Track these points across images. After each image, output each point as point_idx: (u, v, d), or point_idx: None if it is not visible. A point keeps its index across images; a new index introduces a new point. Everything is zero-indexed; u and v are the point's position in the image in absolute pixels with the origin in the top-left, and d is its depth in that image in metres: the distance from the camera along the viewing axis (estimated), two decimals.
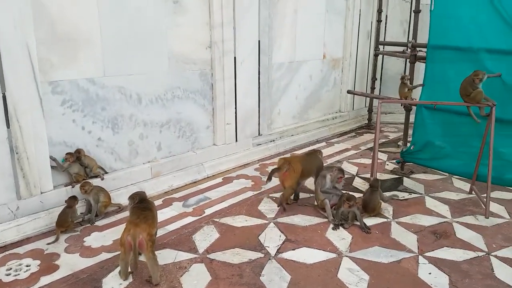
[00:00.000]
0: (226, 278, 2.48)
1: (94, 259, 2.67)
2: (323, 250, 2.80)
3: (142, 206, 2.59)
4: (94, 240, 2.93)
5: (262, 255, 2.73)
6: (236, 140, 4.57)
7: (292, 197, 3.52)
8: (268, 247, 2.83)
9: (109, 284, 2.40)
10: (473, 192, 3.74)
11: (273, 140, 5.06)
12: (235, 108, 4.46)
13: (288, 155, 2.89)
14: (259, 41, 4.55)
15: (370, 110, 6.33)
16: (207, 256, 2.71)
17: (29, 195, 3.00)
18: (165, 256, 2.70)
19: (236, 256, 2.71)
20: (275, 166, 3.49)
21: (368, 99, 6.35)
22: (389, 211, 3.41)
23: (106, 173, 3.51)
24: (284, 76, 5.20)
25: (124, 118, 3.59)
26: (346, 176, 4.11)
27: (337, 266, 2.62)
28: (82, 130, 3.32)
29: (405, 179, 4.16)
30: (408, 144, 4.26)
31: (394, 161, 4.53)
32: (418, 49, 4.37)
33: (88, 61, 3.24)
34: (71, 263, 2.62)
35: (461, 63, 3.64)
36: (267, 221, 3.21)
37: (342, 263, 2.65)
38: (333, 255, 2.74)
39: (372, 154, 3.53)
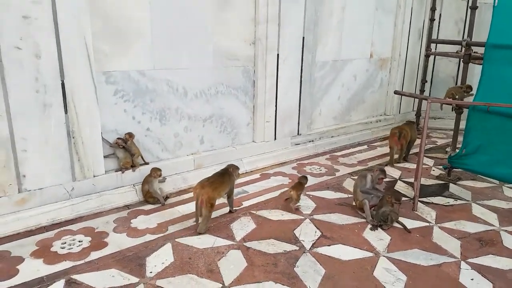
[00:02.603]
0: (261, 265, 2.65)
1: (139, 239, 2.95)
2: (359, 249, 2.89)
3: (219, 173, 3.23)
4: (140, 222, 3.22)
5: (297, 248, 2.87)
6: (275, 139, 4.74)
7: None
8: (303, 241, 2.97)
9: (152, 263, 2.66)
10: None
11: (312, 141, 5.18)
12: (275, 106, 4.64)
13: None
14: (303, 38, 4.70)
15: (418, 114, 6.25)
16: (244, 244, 2.90)
17: (83, 178, 3.35)
18: (205, 241, 2.93)
19: (271, 246, 2.88)
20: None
21: (416, 102, 6.28)
22: (432, 216, 3.42)
23: (147, 163, 3.78)
24: (328, 75, 5.30)
25: (171, 110, 3.89)
26: (388, 179, 4.17)
27: (373, 264, 2.70)
28: (132, 119, 3.65)
29: (451, 185, 4.12)
30: (458, 150, 4.20)
31: (441, 167, 4.48)
32: (473, 49, 4.31)
33: (139, 54, 3.55)
34: (118, 242, 2.91)
35: None
36: (303, 217, 3.34)
37: (379, 262, 2.73)
38: (370, 254, 2.83)
39: (417, 157, 3.55)
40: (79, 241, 2.91)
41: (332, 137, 5.44)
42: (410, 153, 4.94)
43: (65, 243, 2.88)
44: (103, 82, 3.41)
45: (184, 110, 3.97)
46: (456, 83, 6.32)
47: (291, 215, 3.38)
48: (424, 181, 4.21)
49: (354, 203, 3.51)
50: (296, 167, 4.58)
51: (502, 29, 3.66)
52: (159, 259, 2.69)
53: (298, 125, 5.00)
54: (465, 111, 4.24)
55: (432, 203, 3.69)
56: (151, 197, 3.51)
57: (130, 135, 3.61)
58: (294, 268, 2.63)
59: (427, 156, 5.07)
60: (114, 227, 3.12)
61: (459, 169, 4.20)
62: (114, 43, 3.41)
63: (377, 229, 3.16)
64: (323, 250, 2.86)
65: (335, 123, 5.60)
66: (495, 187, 4.08)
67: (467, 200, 3.75)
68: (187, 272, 2.55)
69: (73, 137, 3.24)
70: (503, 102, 3.47)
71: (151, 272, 2.55)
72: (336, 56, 5.34)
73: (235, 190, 3.83)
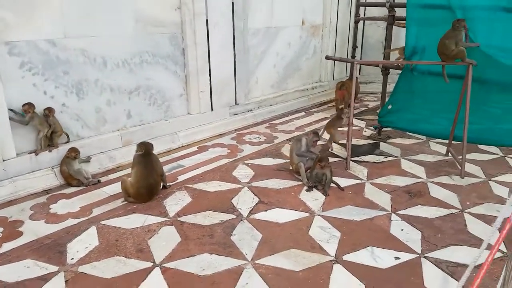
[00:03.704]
0: (196, 238, 2.49)
1: (60, 225, 2.64)
2: (296, 210, 2.84)
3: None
4: (60, 207, 2.89)
5: (234, 217, 2.75)
6: (212, 109, 4.53)
7: None
8: (241, 209, 2.85)
9: (74, 248, 2.39)
10: (449, 154, 3.83)
11: (251, 110, 5.04)
12: (209, 75, 4.40)
13: None
14: (232, 3, 4.46)
15: (350, 79, 6.35)
16: (178, 219, 2.72)
17: None
18: (134, 221, 2.70)
19: (208, 218, 2.73)
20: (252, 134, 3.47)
21: (349, 68, 6.35)
22: (364, 173, 3.47)
23: (68, 141, 3.42)
24: (261, 43, 5.13)
25: (89, 83, 3.50)
26: (323, 142, 4.18)
27: (308, 224, 2.66)
28: (44, 94, 3.22)
29: (382, 144, 4.22)
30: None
31: (372, 127, 4.58)
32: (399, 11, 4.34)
33: (46, 21, 3.11)
34: (35, 230, 2.59)
35: (441, 22, 3.62)
36: (241, 186, 3.22)
37: (314, 221, 2.70)
38: (305, 215, 2.79)
39: (348, 119, 3.55)
40: None
41: (270, 105, 5.34)
42: (344, 117, 4.99)
43: None
44: (5, 54, 2.95)
45: (104, 82, 3.60)
46: (385, 48, 6.47)
47: (229, 185, 3.24)
48: (356, 141, 4.28)
49: (291, 167, 3.45)
50: (235, 137, 4.43)
51: None
52: (82, 244, 2.43)
53: (235, 95, 4.83)
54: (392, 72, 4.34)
55: (364, 161, 3.74)
56: (73, 179, 3.17)
57: (50, 110, 3.21)
58: (231, 237, 2.51)
59: (359, 119, 5.17)
60: (31, 214, 2.78)
61: (389, 128, 4.31)
62: (16, 10, 2.94)
63: (312, 190, 3.13)
64: (260, 215, 2.77)
65: (273, 91, 5.50)
66: (422, 142, 4.25)
67: (397, 156, 3.86)
68: (114, 255, 2.33)
69: None
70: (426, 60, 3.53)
71: (72, 258, 2.29)
72: (268, 23, 5.17)
73: (170, 165, 3.64)
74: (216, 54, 4.39)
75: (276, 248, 2.40)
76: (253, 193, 3.10)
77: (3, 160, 3.00)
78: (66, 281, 2.10)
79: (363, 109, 5.70)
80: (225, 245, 2.43)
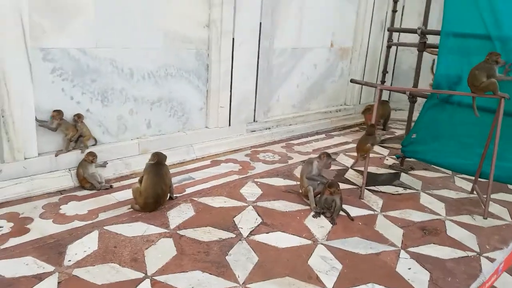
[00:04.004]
0: (191, 254, 2.47)
1: (65, 226, 2.71)
2: (298, 236, 2.76)
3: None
4: (70, 208, 2.97)
5: (234, 236, 2.71)
6: (230, 125, 4.56)
7: None
8: (242, 228, 2.81)
9: (73, 250, 2.44)
10: (474, 192, 3.62)
11: (269, 128, 5.02)
12: (230, 91, 4.44)
13: None
14: (260, 23, 4.51)
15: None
16: (178, 232, 2.72)
17: (12, 160, 3.08)
18: (136, 229, 2.73)
19: (207, 234, 2.71)
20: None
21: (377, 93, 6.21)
22: (378, 204, 3.34)
23: (95, 144, 3.57)
24: (287, 62, 5.14)
25: (115, 91, 3.63)
26: (339, 168, 4.08)
27: (309, 252, 2.57)
28: (70, 100, 3.37)
29: (403, 174, 4.05)
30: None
31: (394, 156, 4.42)
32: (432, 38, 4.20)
33: (80, 30, 3.27)
34: (42, 228, 2.67)
35: (476, 53, 3.44)
36: (246, 204, 3.19)
37: (315, 250, 2.61)
38: (308, 242, 2.70)
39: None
40: (0, 227, 2.65)
41: (290, 125, 5.30)
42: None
43: None
44: (39, 59, 3.13)
45: (129, 91, 3.72)
46: (418, 74, 6.30)
47: (234, 202, 3.22)
48: (375, 170, 4.15)
49: (300, 190, 3.38)
50: (249, 154, 4.42)
51: (455, 17, 3.58)
52: (82, 247, 2.47)
53: (255, 112, 4.83)
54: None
55: (381, 191, 3.60)
56: (86, 182, 3.27)
57: (79, 116, 3.38)
58: (226, 257, 2.47)
59: (383, 146, 5.02)
60: (41, 213, 2.87)
61: (412, 159, 4.15)
62: (53, 18, 3.13)
63: (319, 216, 3.04)
64: (260, 237, 2.71)
65: (294, 111, 5.46)
66: (447, 177, 4.04)
67: (417, 190, 3.69)
68: (109, 261, 2.35)
69: (2, 116, 2.97)
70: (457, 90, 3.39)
71: (69, 260, 2.34)
72: (295, 43, 5.18)
73: (181, 176, 3.68)
74: (239, 71, 4.44)
75: (271, 273, 2.34)
76: (257, 213, 3.05)
77: (25, 159, 3.14)
78: (59, 283, 2.14)
79: (388, 136, 5.53)
80: (219, 265, 2.39)
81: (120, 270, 2.27)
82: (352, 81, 4.80)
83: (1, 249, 2.40)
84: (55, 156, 3.31)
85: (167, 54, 3.88)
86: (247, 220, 2.92)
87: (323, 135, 5.43)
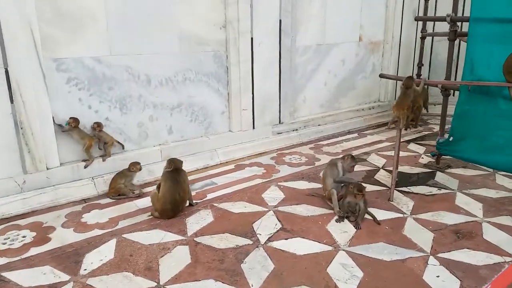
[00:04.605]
0: (206, 262, 2.44)
1: (85, 235, 2.77)
2: (319, 242, 2.64)
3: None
4: (92, 217, 3.05)
5: (251, 242, 2.64)
6: (254, 127, 4.50)
7: None
8: (260, 234, 2.74)
9: (90, 259, 2.48)
10: None
11: (296, 129, 4.91)
12: (252, 93, 4.39)
13: None
14: (280, 20, 4.43)
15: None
16: (194, 239, 2.70)
17: (35, 170, 3.21)
18: (153, 236, 2.74)
19: (223, 241, 2.66)
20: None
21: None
22: (408, 206, 3.13)
23: (123, 149, 3.68)
24: (311, 61, 5.01)
25: (133, 99, 3.70)
26: (370, 168, 3.90)
27: (329, 259, 2.45)
28: (88, 109, 3.47)
29: (438, 173, 3.80)
30: (446, 136, 3.87)
31: (430, 154, 4.16)
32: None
33: (93, 39, 3.36)
34: (62, 237, 2.75)
35: (509, 39, 3.20)
36: (266, 209, 3.11)
37: (336, 257, 2.48)
38: (329, 248, 2.57)
39: (396, 136, 3.22)
40: (23, 237, 2.76)
41: (318, 125, 5.16)
42: (402, 141, 4.62)
43: (8, 238, 2.74)
44: (53, 70, 3.24)
45: (148, 98, 3.78)
46: (457, 65, 5.92)
47: (255, 207, 3.15)
48: (409, 169, 3.93)
49: (324, 194, 3.25)
50: (275, 157, 4.34)
51: (485, 2, 3.31)
52: (99, 256, 2.51)
53: (280, 114, 4.75)
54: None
55: (412, 192, 3.39)
56: (117, 192, 3.32)
57: (99, 124, 3.48)
58: (241, 264, 2.40)
59: (418, 143, 4.75)
60: (64, 222, 2.97)
61: (449, 157, 3.88)
62: (64, 29, 3.23)
63: (343, 221, 2.90)
64: (278, 244, 2.62)
65: (322, 111, 5.32)
66: (487, 175, 3.74)
67: (452, 189, 3.44)
68: (123, 270, 2.36)
69: (21, 128, 3.09)
70: (489, 81, 3.12)
71: (85, 269, 2.38)
72: (320, 39, 5.04)
73: (203, 182, 3.67)
74: (260, 72, 4.38)
75: (286, 282, 2.24)
76: (277, 218, 2.97)
77: (47, 169, 3.27)
78: None
79: (426, 133, 5.23)
80: (233, 273, 2.33)
81: (133, 279, 2.28)
82: (381, 76, 4.57)
83: (22, 259, 2.49)
84: (84, 168, 3.42)
85: (184, 58, 3.90)
86: (266, 226, 2.85)
87: (356, 134, 5.23)
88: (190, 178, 3.71)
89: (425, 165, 4.03)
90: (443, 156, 3.94)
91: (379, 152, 4.47)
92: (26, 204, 3.13)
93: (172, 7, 3.73)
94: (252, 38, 4.24)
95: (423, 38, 5.61)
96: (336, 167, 3.18)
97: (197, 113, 4.14)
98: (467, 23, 3.51)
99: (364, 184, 3.04)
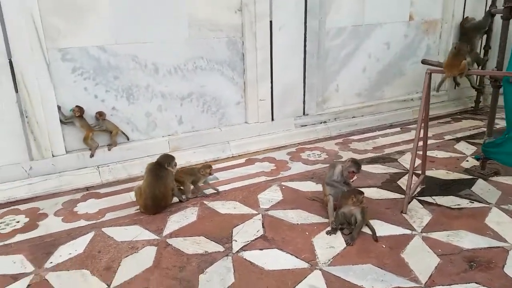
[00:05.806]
0: (165, 268, 2.32)
1: (69, 225, 2.84)
2: (296, 257, 2.36)
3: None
4: (85, 206, 3.11)
5: (222, 250, 2.46)
6: (272, 119, 4.24)
7: None
8: (236, 241, 2.54)
9: (60, 252, 2.52)
10: None
11: (325, 122, 4.53)
12: (271, 82, 4.12)
13: None
14: (305, 0, 4.04)
15: (480, 87, 5.11)
16: (167, 240, 2.60)
17: (41, 157, 3.37)
18: (129, 233, 2.70)
19: (194, 245, 2.52)
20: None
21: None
22: (423, 221, 2.67)
23: (128, 140, 3.70)
24: (346, 44, 4.54)
25: (140, 88, 3.68)
26: (396, 171, 3.44)
27: (298, 279, 2.17)
28: (94, 98, 3.53)
29: (479, 181, 3.19)
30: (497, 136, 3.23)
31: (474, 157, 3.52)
32: None
33: (97, 28, 3.37)
34: (48, 226, 2.84)
35: None
36: (256, 212, 2.88)
37: (308, 277, 2.19)
38: (304, 265, 2.28)
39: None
40: (17, 222, 2.91)
41: (353, 117, 4.70)
42: (451, 137, 4.02)
43: (3, 222, 2.91)
44: (59, 60, 3.32)
45: (156, 87, 3.73)
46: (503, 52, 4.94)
47: (245, 208, 2.95)
48: (444, 174, 3.38)
49: (324, 199, 2.92)
50: (292, 152, 4.05)
51: None
52: (70, 249, 2.54)
53: (304, 104, 4.41)
54: None
55: (436, 204, 2.88)
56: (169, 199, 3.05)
57: (101, 114, 3.52)
58: (200, 275, 2.24)
59: (469, 142, 4.07)
60: (58, 209, 3.07)
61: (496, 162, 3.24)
62: (68, 18, 3.27)
63: (335, 233, 2.56)
64: (250, 254, 2.40)
65: (359, 101, 4.82)
66: None
67: (488, 203, 2.85)
68: (84, 267, 2.35)
69: (26, 117, 3.25)
70: None
71: (51, 262, 2.42)
72: (357, 20, 4.52)
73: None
74: (280, 59, 4.08)
75: None
76: (262, 223, 2.73)
77: (53, 156, 3.41)
78: (28, 285, 2.22)
79: (483, 129, 4.45)
80: (187, 284, 2.18)
81: (88, 279, 2.26)
82: (423, 62, 3.96)
83: (4, 245, 2.62)
84: (90, 157, 3.52)
85: (194, 45, 3.76)
86: (246, 232, 2.64)
87: (398, 129, 4.68)
88: None
89: (466, 170, 3.42)
90: (490, 160, 3.30)
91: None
92: (32, 189, 3.31)
93: None
94: (271, 22, 3.94)
95: (493, 15, 4.75)
96: (334, 170, 2.82)
97: (209, 103, 4.00)
98: None
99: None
